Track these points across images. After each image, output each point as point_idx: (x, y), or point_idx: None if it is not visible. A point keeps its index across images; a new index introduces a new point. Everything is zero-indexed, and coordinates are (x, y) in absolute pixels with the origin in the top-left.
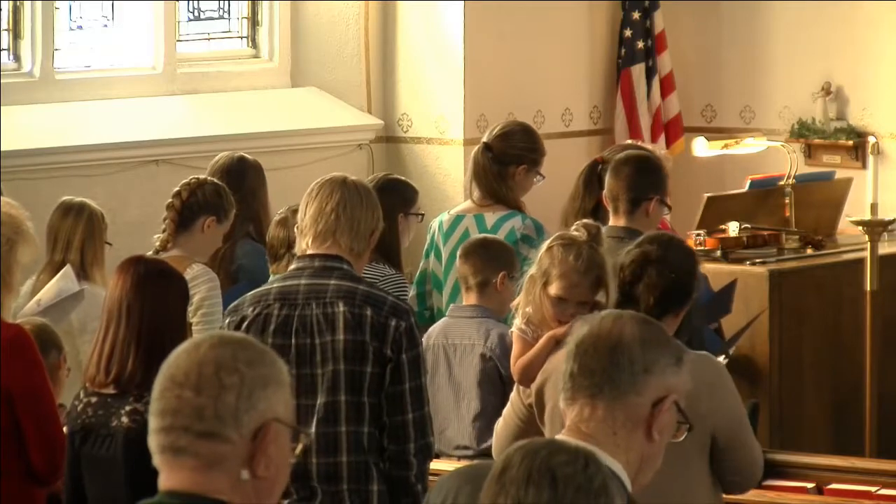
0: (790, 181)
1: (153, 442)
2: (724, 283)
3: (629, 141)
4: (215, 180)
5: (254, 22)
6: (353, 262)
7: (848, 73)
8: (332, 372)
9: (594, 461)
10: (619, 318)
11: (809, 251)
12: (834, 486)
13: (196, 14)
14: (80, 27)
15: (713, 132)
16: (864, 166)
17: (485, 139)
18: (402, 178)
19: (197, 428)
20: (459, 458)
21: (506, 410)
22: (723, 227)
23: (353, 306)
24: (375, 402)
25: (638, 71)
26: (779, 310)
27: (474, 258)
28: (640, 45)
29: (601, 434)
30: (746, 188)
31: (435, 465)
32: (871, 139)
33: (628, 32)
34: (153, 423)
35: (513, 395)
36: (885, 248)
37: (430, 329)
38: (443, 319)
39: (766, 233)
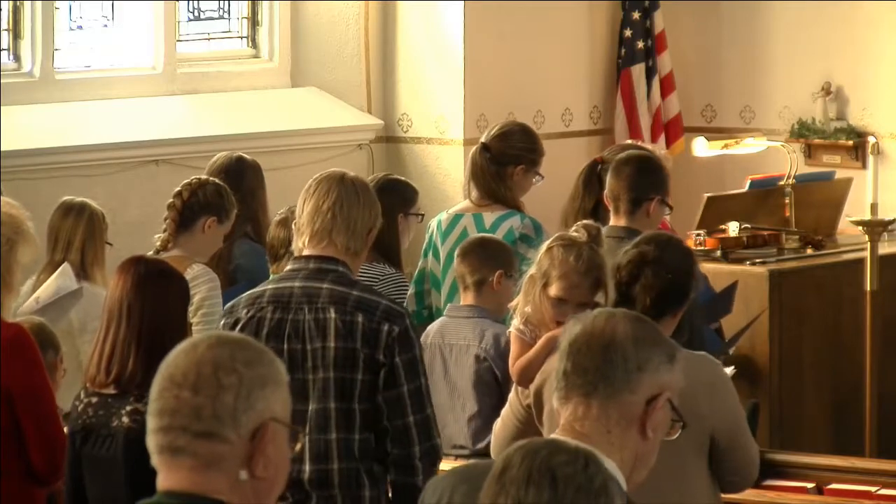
0: (790, 181)
1: (151, 442)
2: (725, 284)
3: (629, 141)
4: (217, 180)
5: (254, 22)
6: (349, 262)
7: (848, 73)
8: (323, 379)
9: (594, 461)
10: (612, 317)
11: (809, 251)
12: (834, 486)
13: (196, 14)
14: (80, 27)
15: (713, 132)
16: (864, 166)
17: (483, 139)
18: (402, 178)
19: (195, 428)
20: (456, 457)
21: (504, 411)
22: (723, 227)
23: (345, 313)
24: (366, 409)
25: (638, 71)
26: (779, 310)
27: (471, 257)
28: (640, 45)
29: (595, 433)
30: (746, 188)
31: None
32: (871, 139)
33: (628, 32)
34: (151, 423)
35: (511, 395)
36: (885, 248)
37: (428, 328)
38: (440, 319)
39: (766, 233)
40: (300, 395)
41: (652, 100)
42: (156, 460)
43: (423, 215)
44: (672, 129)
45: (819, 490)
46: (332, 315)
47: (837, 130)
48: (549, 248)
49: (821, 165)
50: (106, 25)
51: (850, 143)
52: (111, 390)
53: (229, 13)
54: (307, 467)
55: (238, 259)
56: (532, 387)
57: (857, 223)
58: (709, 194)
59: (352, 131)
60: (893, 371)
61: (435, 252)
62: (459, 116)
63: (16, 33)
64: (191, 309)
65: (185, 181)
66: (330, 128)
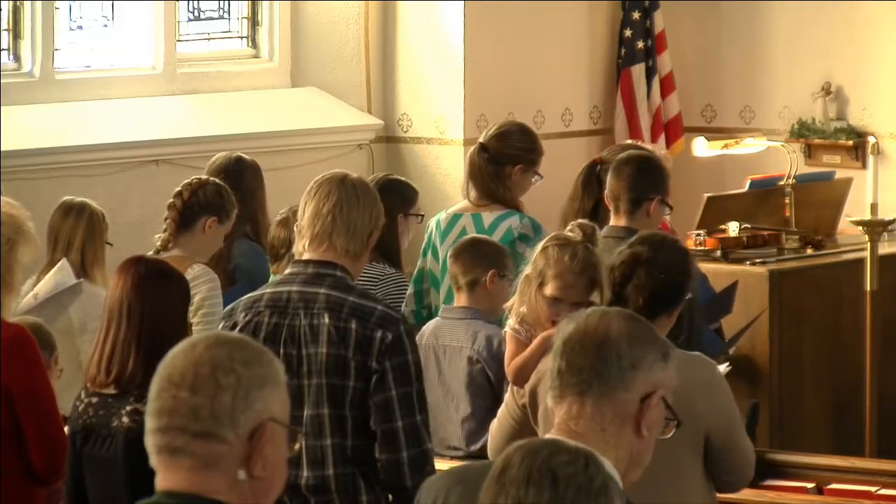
0: (790, 181)
1: (150, 442)
2: (725, 284)
3: (629, 141)
4: (217, 180)
5: (254, 22)
6: (349, 265)
7: (848, 73)
8: (316, 385)
9: (594, 461)
10: (606, 315)
11: (809, 251)
12: (834, 486)
13: (196, 14)
14: (80, 27)
15: (713, 132)
16: (864, 166)
17: (481, 139)
18: (402, 178)
19: (193, 428)
20: (451, 458)
21: (500, 411)
22: (723, 227)
23: (339, 320)
24: (358, 415)
25: (638, 71)
26: (779, 310)
27: (464, 257)
28: (640, 45)
29: (590, 431)
30: (746, 188)
31: None
32: (871, 139)
33: (628, 32)
34: (150, 423)
35: (507, 395)
36: (885, 248)
37: (422, 329)
38: (434, 320)
39: (766, 233)
40: (296, 400)
41: (652, 100)
42: (154, 460)
43: (423, 215)
44: (672, 129)
45: (819, 490)
46: (326, 321)
47: (837, 130)
48: (545, 248)
49: (821, 165)
50: (106, 25)
51: (850, 143)
52: (111, 390)
53: (229, 13)
54: (305, 473)
55: (237, 258)
56: (527, 386)
57: (857, 223)
58: (709, 194)
59: (352, 131)
60: (893, 371)
61: (434, 252)
62: (459, 116)
63: (16, 33)
64: (191, 309)
65: (186, 181)
66: (330, 128)
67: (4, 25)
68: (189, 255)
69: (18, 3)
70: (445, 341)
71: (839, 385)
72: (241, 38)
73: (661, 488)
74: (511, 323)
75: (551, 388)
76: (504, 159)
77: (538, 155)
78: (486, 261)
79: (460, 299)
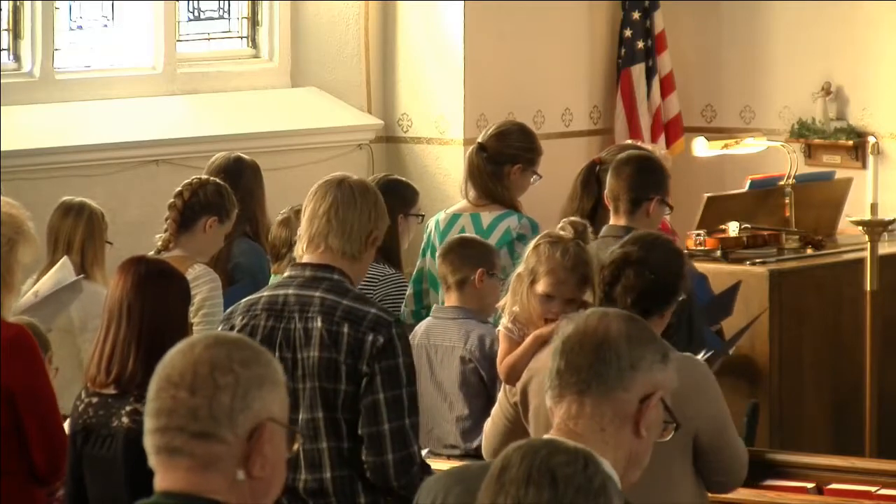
0: (790, 181)
1: (149, 442)
2: (725, 284)
3: (629, 141)
4: (218, 180)
5: (254, 22)
6: (347, 266)
7: (848, 73)
8: (310, 389)
9: (594, 461)
10: (605, 316)
11: (809, 251)
12: (834, 486)
13: (196, 14)
14: (80, 27)
15: (713, 132)
16: (864, 166)
17: (480, 139)
18: (403, 178)
19: (192, 428)
20: (448, 457)
21: (494, 410)
22: (723, 227)
23: (332, 323)
24: (351, 418)
25: (638, 71)
26: (779, 310)
27: (451, 257)
28: (640, 45)
29: (589, 431)
30: (746, 188)
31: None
32: (871, 139)
33: (628, 32)
34: (149, 423)
35: (500, 394)
36: (885, 248)
37: (415, 329)
38: (426, 320)
39: (766, 233)
40: (291, 404)
41: (652, 100)
42: (153, 461)
43: (423, 216)
44: (672, 129)
45: (819, 490)
46: (319, 325)
47: (837, 130)
48: (536, 246)
49: (821, 165)
50: (106, 25)
51: (850, 143)
52: (111, 390)
53: (229, 13)
54: (303, 476)
55: (237, 258)
56: (519, 384)
57: (857, 223)
58: (709, 194)
59: (352, 131)
60: (893, 371)
61: (433, 251)
62: (459, 116)
63: (16, 33)
64: (191, 309)
65: (186, 181)
66: (330, 128)
67: (4, 25)
68: (190, 255)
69: (18, 3)
70: (437, 341)
71: (839, 385)
72: (241, 38)
73: (652, 490)
74: (504, 322)
75: (550, 388)
76: (503, 159)
77: (537, 154)
78: (474, 260)
79: (450, 299)
